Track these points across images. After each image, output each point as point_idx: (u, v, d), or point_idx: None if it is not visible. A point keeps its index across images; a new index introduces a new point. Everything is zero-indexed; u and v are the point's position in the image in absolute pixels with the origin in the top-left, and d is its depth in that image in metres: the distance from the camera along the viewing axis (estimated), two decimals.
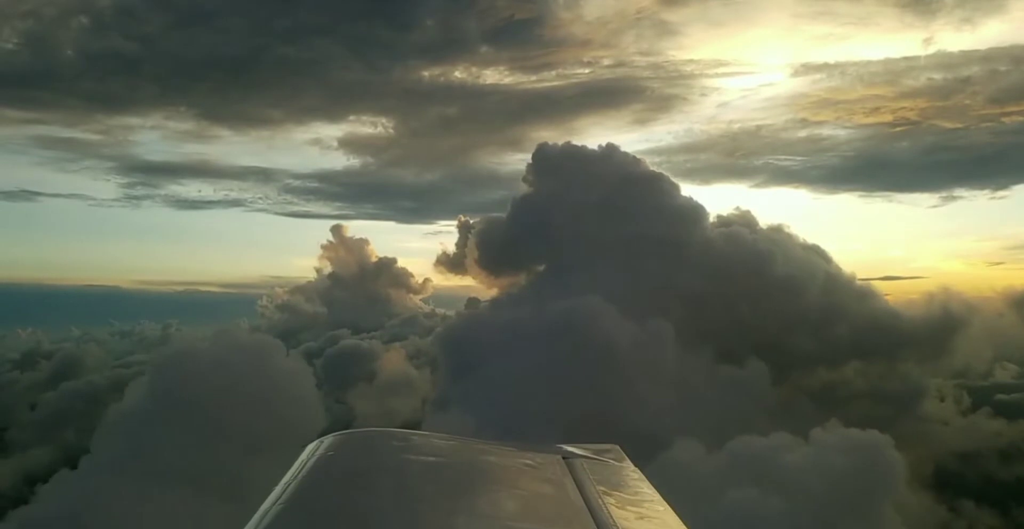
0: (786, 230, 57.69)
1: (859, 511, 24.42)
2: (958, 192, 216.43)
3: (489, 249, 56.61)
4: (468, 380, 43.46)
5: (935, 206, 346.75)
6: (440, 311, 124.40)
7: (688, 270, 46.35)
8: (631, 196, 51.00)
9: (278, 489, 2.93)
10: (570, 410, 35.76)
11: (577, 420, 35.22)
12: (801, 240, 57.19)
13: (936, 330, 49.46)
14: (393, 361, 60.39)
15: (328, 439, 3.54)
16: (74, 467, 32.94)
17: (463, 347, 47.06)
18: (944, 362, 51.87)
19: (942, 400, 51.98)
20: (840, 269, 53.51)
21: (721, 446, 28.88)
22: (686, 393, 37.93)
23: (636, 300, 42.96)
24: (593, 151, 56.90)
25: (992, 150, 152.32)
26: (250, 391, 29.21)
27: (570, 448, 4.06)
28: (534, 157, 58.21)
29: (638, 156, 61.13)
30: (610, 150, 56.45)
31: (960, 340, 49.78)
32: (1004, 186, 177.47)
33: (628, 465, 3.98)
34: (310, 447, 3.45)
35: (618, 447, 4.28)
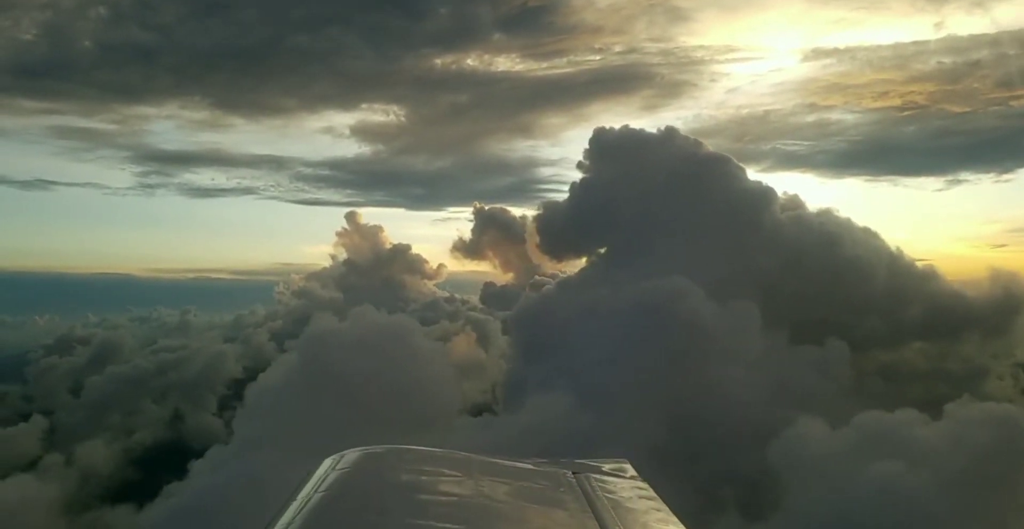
0: (835, 214, 58.29)
1: (1001, 486, 24.94)
2: (963, 175, 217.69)
3: (550, 233, 56.89)
4: (548, 362, 43.51)
5: (940, 190, 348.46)
6: (459, 296, 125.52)
7: (761, 253, 46.70)
8: (697, 178, 51.00)
9: (296, 504, 3.03)
10: (668, 390, 36.13)
11: (678, 400, 35.64)
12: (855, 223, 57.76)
13: (1000, 311, 50.26)
14: (462, 344, 61.15)
15: (345, 455, 3.67)
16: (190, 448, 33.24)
17: (539, 329, 47.14)
18: (1002, 343, 52.70)
19: (1001, 379, 52.86)
20: (901, 251, 54.05)
21: (841, 423, 29.34)
22: (779, 373, 38.36)
23: (709, 282, 43.24)
24: (652, 134, 56.92)
25: (999, 133, 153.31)
26: (392, 370, 29.49)
27: (580, 463, 4.19)
28: (591, 142, 57.98)
29: None
30: (670, 133, 56.42)
31: (1020, 321, 50.59)
32: (1009, 169, 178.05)
33: (637, 480, 4.06)
34: (327, 462, 3.60)
35: (627, 462, 4.36)
